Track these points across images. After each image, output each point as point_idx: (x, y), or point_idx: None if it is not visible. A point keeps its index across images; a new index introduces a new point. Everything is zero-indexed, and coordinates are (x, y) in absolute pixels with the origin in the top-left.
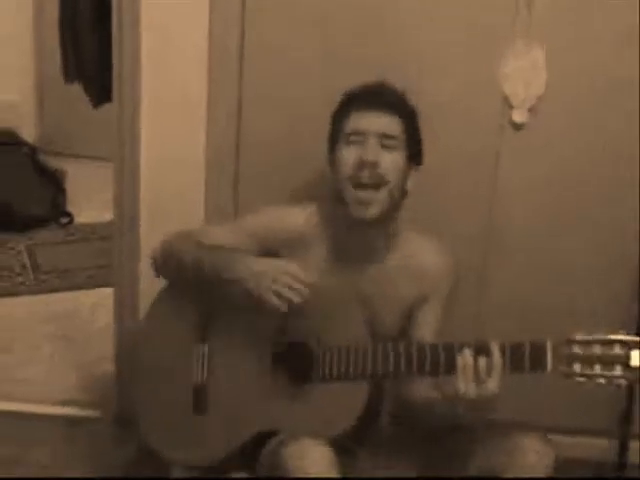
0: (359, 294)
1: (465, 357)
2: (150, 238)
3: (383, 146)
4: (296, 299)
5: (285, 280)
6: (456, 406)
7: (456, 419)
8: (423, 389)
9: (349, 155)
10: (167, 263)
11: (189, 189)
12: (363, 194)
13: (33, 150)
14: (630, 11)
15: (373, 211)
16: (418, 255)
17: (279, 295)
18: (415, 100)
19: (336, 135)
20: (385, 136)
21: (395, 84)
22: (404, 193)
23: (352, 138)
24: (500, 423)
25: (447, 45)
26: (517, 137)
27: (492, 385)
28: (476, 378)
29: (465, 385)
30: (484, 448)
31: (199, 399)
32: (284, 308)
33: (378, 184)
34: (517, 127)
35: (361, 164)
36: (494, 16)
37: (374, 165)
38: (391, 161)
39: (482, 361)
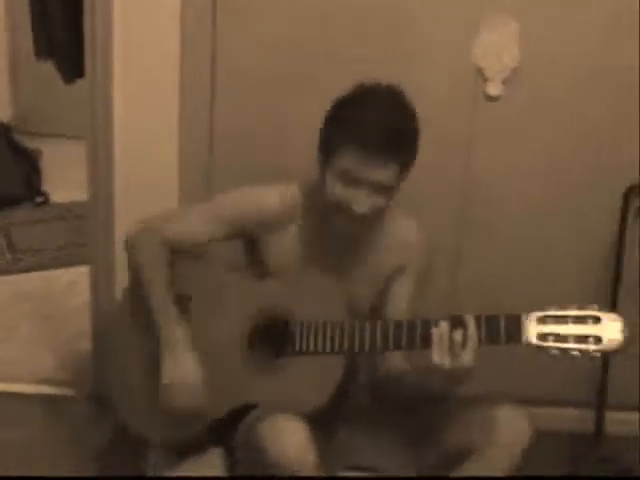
0: (337, 270)
1: (441, 329)
2: (125, 216)
3: (375, 192)
4: (178, 408)
5: (179, 389)
6: (430, 378)
7: (429, 391)
8: (398, 362)
9: (340, 192)
10: (129, 258)
11: (163, 167)
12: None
13: (7, 129)
14: None
15: (364, 211)
16: (397, 230)
17: (169, 391)
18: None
19: (327, 156)
20: (380, 186)
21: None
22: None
23: (343, 177)
24: (476, 396)
25: (420, 17)
26: (491, 109)
27: (467, 357)
28: (451, 350)
29: (440, 357)
30: (461, 421)
31: None
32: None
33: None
34: (491, 99)
35: (346, 206)
36: None
37: (363, 216)
38: (384, 201)
39: (457, 333)
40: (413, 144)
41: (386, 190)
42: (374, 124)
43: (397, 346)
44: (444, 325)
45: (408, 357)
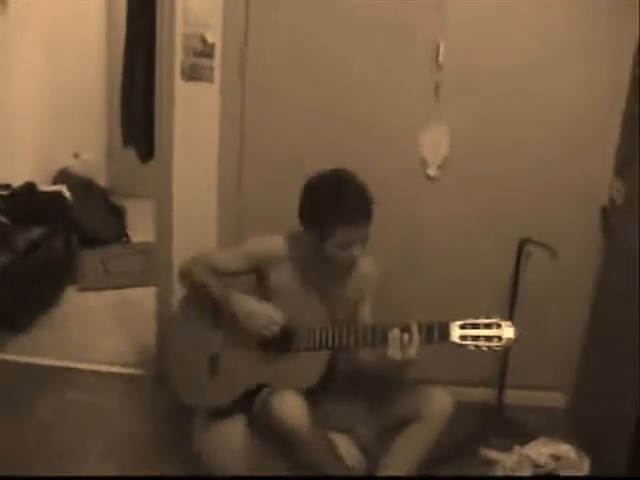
0: (321, 293)
1: (394, 333)
2: (180, 252)
3: (362, 242)
4: (269, 335)
5: (263, 322)
6: (387, 366)
7: (387, 375)
8: (366, 355)
9: (340, 255)
10: (184, 280)
11: (206, 221)
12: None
13: (104, 192)
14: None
15: (360, 257)
16: (360, 266)
17: (258, 331)
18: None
19: (323, 236)
20: (363, 238)
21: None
22: None
23: (342, 246)
24: (415, 379)
25: (384, 126)
26: (431, 186)
27: (411, 352)
28: (401, 347)
29: (393, 351)
30: (407, 396)
31: (213, 363)
32: (260, 338)
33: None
34: (431, 179)
35: (348, 261)
36: (416, 106)
37: (356, 260)
38: (364, 245)
39: (405, 336)
40: (373, 205)
41: (366, 238)
42: (352, 203)
43: (365, 344)
44: (396, 330)
45: (373, 352)
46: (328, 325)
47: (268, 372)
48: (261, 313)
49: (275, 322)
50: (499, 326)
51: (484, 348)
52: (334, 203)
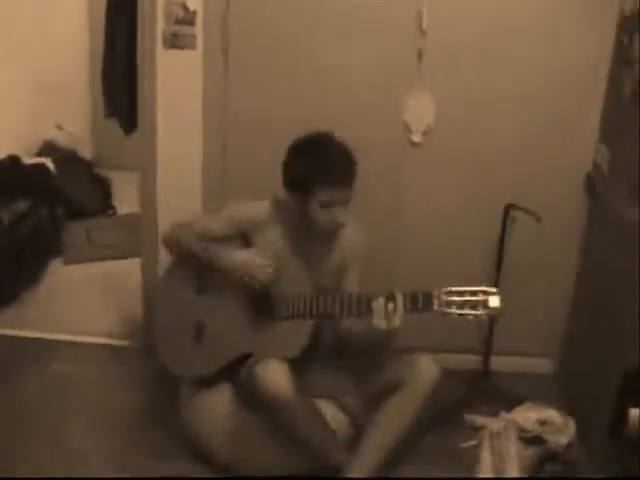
0: (306, 260)
1: (379, 302)
2: (165, 224)
3: (345, 205)
4: (264, 279)
5: (258, 267)
6: (372, 334)
7: (372, 343)
8: (351, 324)
9: (322, 216)
10: (169, 245)
11: (191, 191)
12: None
13: (89, 164)
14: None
15: (344, 221)
16: (346, 234)
17: (253, 278)
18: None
19: (306, 195)
20: (346, 200)
21: (338, 137)
22: None
23: (324, 205)
24: (402, 347)
25: (367, 91)
26: (415, 152)
27: (396, 321)
28: (385, 316)
29: (378, 320)
30: (393, 364)
31: (199, 332)
32: (257, 287)
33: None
34: (415, 145)
35: (332, 224)
36: (400, 72)
37: (342, 225)
38: (347, 210)
39: (390, 305)
40: (356, 167)
41: (349, 200)
42: (335, 161)
43: (349, 314)
44: (381, 299)
45: (358, 321)
46: (312, 293)
47: (252, 341)
48: (254, 259)
49: (269, 265)
50: (485, 293)
51: (469, 317)
52: (316, 161)
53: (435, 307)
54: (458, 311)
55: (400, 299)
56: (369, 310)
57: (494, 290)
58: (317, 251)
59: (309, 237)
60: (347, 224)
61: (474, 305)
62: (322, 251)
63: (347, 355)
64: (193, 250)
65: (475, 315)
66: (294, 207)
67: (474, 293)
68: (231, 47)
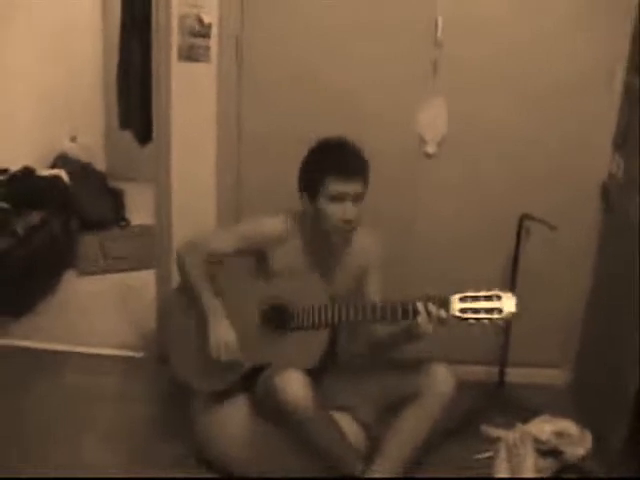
0: (322, 271)
1: (427, 306)
2: (179, 235)
3: (354, 201)
4: (214, 358)
5: (217, 346)
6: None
7: (392, 351)
8: (379, 330)
9: (332, 211)
10: (179, 270)
11: (205, 203)
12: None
13: (103, 176)
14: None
15: (352, 217)
16: (360, 242)
17: (210, 350)
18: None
19: (316, 191)
20: (356, 195)
21: (351, 140)
22: None
23: (333, 199)
24: (417, 357)
25: (381, 102)
26: (429, 163)
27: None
28: (430, 319)
29: (425, 325)
30: (410, 374)
31: None
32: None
33: (352, 229)
34: (429, 156)
35: (342, 220)
36: (414, 83)
37: (351, 221)
38: (359, 209)
39: (442, 311)
40: (368, 165)
41: (359, 198)
42: (345, 155)
43: (383, 318)
44: (428, 303)
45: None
46: (328, 303)
47: (269, 353)
48: (220, 339)
49: (229, 352)
50: (500, 298)
51: (485, 321)
52: (327, 155)
53: (451, 312)
54: (474, 316)
55: (422, 306)
56: (404, 314)
57: (509, 294)
58: (332, 261)
59: (324, 248)
60: (361, 230)
61: (490, 309)
62: (337, 261)
63: (363, 364)
64: (197, 293)
65: (491, 320)
66: (309, 220)
67: (489, 297)
68: (245, 60)
